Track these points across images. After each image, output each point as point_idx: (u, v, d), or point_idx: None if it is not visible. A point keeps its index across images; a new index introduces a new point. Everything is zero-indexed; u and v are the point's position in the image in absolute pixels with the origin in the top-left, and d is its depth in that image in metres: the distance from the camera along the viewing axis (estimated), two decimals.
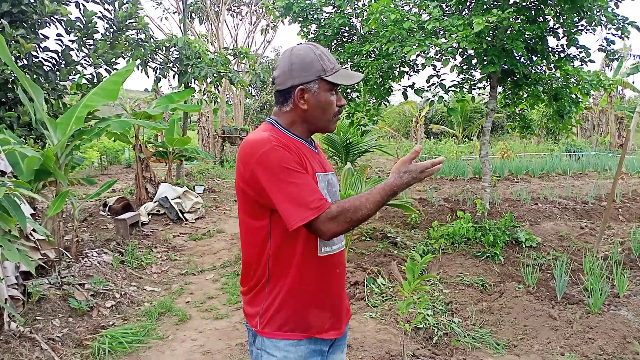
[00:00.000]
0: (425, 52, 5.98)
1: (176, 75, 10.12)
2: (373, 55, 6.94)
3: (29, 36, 6.24)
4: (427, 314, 4.27)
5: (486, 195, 7.02)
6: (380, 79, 6.79)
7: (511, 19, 5.14)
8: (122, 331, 4.06)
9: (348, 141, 10.49)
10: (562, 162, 15.36)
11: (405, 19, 5.66)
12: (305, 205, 1.55)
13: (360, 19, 7.43)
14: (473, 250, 6.06)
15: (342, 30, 7.59)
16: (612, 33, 6.09)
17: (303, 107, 1.69)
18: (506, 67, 6.25)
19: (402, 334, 3.50)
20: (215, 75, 9.95)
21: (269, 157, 1.58)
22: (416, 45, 5.62)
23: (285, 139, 1.68)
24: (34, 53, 6.69)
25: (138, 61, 9.33)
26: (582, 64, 6.54)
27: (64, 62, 7.09)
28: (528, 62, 6.45)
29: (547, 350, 3.81)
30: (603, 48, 6.30)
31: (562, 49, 6.50)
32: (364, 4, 7.49)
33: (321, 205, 1.56)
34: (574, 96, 6.85)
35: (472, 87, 6.95)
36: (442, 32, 6.02)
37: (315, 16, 7.46)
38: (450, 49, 5.63)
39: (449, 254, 6.02)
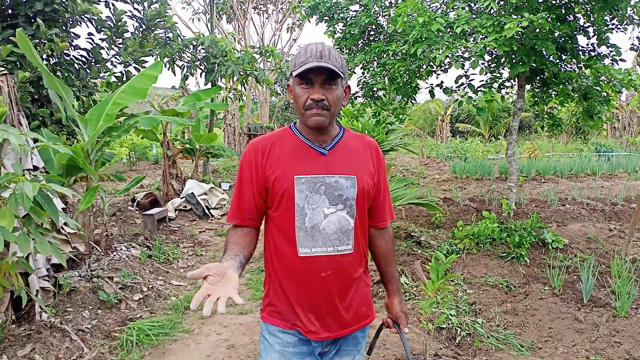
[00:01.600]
0: (454, 53, 5.92)
1: (203, 74, 10.25)
2: (400, 54, 6.92)
3: (61, 35, 6.39)
4: (451, 314, 4.26)
5: (512, 196, 6.94)
6: (407, 77, 6.76)
7: (542, 21, 5.04)
8: (149, 324, 4.15)
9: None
10: (591, 162, 15.06)
11: (433, 20, 5.61)
12: (229, 211, 1.85)
13: (386, 17, 7.41)
14: (498, 251, 6.01)
15: (369, 29, 7.58)
16: None
17: (292, 103, 1.79)
18: (535, 65, 6.16)
19: (424, 334, 3.51)
20: (241, 73, 10.04)
21: (240, 160, 1.85)
22: (444, 48, 5.56)
23: (277, 140, 1.80)
24: (66, 51, 6.86)
25: (166, 59, 9.49)
26: (612, 63, 6.41)
27: (94, 60, 7.24)
28: (557, 61, 6.36)
29: (572, 353, 3.76)
30: (635, 47, 6.17)
31: (592, 48, 6.38)
32: (390, 3, 7.47)
33: (231, 219, 1.82)
34: (605, 94, 6.71)
35: (501, 87, 6.87)
36: (470, 33, 5.97)
37: (342, 15, 7.47)
38: (479, 50, 5.57)
39: (473, 254, 5.98)
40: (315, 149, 1.77)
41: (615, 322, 4.14)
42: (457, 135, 28.17)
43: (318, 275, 1.73)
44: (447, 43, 5.56)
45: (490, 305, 4.63)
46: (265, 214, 1.83)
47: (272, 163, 1.75)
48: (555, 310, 4.38)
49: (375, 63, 7.06)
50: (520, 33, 5.88)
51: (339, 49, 7.56)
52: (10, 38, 5.57)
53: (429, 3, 6.47)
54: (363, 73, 7.38)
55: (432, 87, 6.94)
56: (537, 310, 4.44)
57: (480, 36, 5.69)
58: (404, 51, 6.22)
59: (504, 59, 6.41)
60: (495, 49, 5.34)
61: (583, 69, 6.63)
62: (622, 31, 5.97)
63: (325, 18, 7.52)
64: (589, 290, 4.64)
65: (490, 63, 6.66)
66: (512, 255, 5.83)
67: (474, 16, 5.88)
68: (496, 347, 3.91)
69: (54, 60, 6.68)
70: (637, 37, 6.06)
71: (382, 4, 7.32)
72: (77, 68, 7.00)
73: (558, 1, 5.93)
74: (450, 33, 5.74)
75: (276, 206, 1.75)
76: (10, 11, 6.22)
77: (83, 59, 7.25)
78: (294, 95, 1.72)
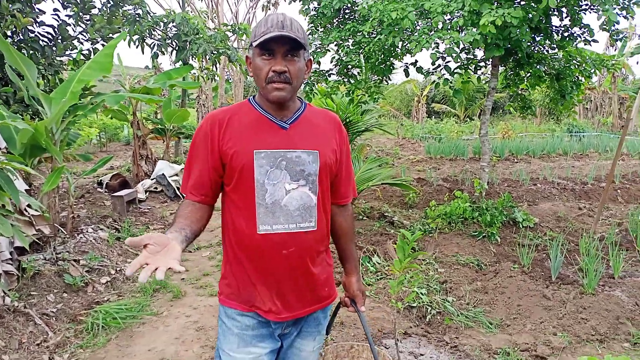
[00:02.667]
0: (429, 43, 5.83)
1: (174, 52, 10.02)
2: (375, 33, 6.83)
3: (25, 10, 6.15)
4: (421, 293, 4.28)
5: (484, 175, 6.99)
6: (382, 55, 6.69)
7: (517, 18, 5.01)
8: (116, 307, 4.07)
9: (347, 119, 10.41)
10: (563, 142, 15.29)
11: (406, 14, 5.50)
12: (182, 184, 1.77)
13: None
14: (470, 230, 6.06)
15: (344, 8, 7.45)
16: (616, 13, 5.97)
17: (251, 76, 1.72)
18: (509, 46, 6.14)
19: (394, 312, 3.51)
20: (213, 52, 9.84)
21: (195, 132, 1.76)
22: (419, 42, 5.48)
23: (236, 112, 1.72)
24: (30, 28, 6.60)
25: (136, 37, 9.24)
26: (585, 44, 6.44)
27: (60, 37, 7.01)
28: (530, 43, 6.36)
29: (540, 330, 3.82)
30: (606, 27, 6.19)
31: (565, 29, 6.39)
32: None
33: (184, 192, 1.74)
34: (576, 77, 6.76)
35: (478, 68, 6.86)
36: (446, 23, 5.90)
37: None
38: (454, 44, 5.50)
39: (445, 233, 6.02)
40: (276, 123, 1.70)
41: (582, 299, 4.21)
42: (433, 116, 28.28)
43: (279, 253, 1.68)
44: (422, 32, 5.49)
45: (461, 283, 4.66)
46: (222, 191, 1.76)
47: (230, 137, 1.66)
48: (524, 287, 4.44)
49: (350, 41, 6.95)
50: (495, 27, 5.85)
51: (313, 27, 7.44)
52: None
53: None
54: (337, 51, 7.28)
55: (407, 66, 6.90)
56: (507, 288, 4.49)
57: (457, 26, 5.64)
58: (379, 37, 6.13)
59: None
60: (470, 43, 5.29)
61: (556, 50, 6.65)
62: (595, 11, 5.96)
63: None
64: (557, 268, 4.71)
65: (465, 47, 6.63)
66: (484, 234, 5.89)
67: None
68: (466, 325, 3.94)
69: (17, 38, 6.44)
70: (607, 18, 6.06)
71: None
72: (43, 45, 6.76)
73: None
74: (426, 20, 5.67)
75: (235, 182, 1.67)
76: None
77: (49, 35, 7.01)
78: (254, 67, 1.65)
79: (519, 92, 7.74)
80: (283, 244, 1.68)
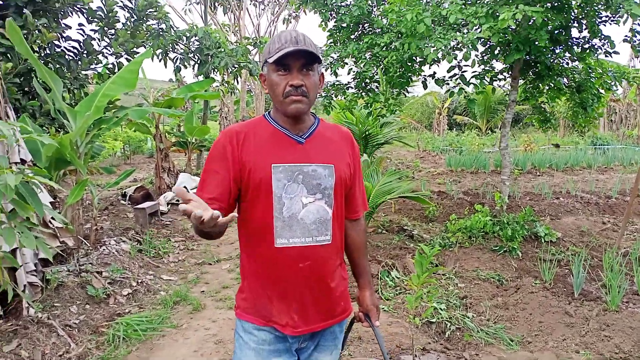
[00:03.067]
0: (446, 46, 5.84)
1: (196, 65, 10.17)
2: (393, 46, 6.86)
3: (51, 25, 6.32)
4: (441, 308, 4.24)
5: (505, 189, 6.92)
6: (400, 69, 6.71)
7: (536, 16, 4.98)
8: (137, 319, 4.12)
9: (367, 132, 10.42)
10: (587, 155, 15.05)
11: (421, 20, 5.52)
12: (197, 194, 1.67)
13: (380, 10, 7.33)
14: (490, 245, 5.99)
15: (362, 21, 7.51)
16: (638, 23, 5.91)
17: (266, 92, 1.74)
18: (529, 57, 6.11)
19: (413, 328, 3.49)
20: (235, 65, 9.97)
21: (212, 146, 1.77)
22: (436, 42, 5.48)
23: (252, 127, 1.74)
24: (56, 42, 6.78)
25: (159, 51, 9.41)
26: (606, 55, 6.37)
27: (85, 52, 7.18)
28: (550, 54, 6.31)
29: (562, 347, 3.75)
30: (628, 39, 6.12)
31: (585, 40, 6.34)
32: None
33: None
34: (596, 90, 6.69)
35: (494, 79, 6.83)
36: (463, 24, 5.91)
37: (335, 3, 7.37)
38: (471, 41, 5.49)
39: (466, 247, 5.97)
40: (292, 138, 1.73)
41: (606, 316, 4.13)
42: (454, 128, 28.11)
43: (296, 267, 1.70)
44: (439, 37, 5.50)
45: (481, 299, 4.61)
46: (238, 204, 1.77)
47: (248, 151, 1.69)
48: (546, 304, 4.37)
49: (368, 54, 6.99)
50: (515, 22, 5.83)
51: (332, 41, 7.50)
52: None
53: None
54: (355, 63, 7.32)
55: (425, 79, 6.90)
56: (528, 304, 4.43)
57: (475, 27, 5.64)
58: (396, 44, 6.16)
59: (498, 49, 6.36)
60: (490, 39, 5.27)
61: (577, 61, 6.59)
62: (616, 23, 5.90)
63: (318, 8, 7.42)
64: (580, 284, 4.62)
65: (483, 55, 6.61)
66: (505, 249, 5.81)
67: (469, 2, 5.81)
68: (486, 342, 3.89)
69: (44, 52, 6.62)
70: (630, 29, 5.99)
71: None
72: (68, 60, 6.93)
73: None
74: (442, 25, 5.68)
75: (252, 196, 1.70)
76: (0, 2, 6.14)
77: (74, 50, 7.18)
78: (270, 84, 1.68)
79: (539, 104, 7.68)
80: (300, 257, 1.70)
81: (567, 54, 6.34)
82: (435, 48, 5.46)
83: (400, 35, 5.95)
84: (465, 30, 5.72)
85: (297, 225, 1.69)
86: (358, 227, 1.96)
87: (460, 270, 5.34)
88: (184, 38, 9.81)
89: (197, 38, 9.75)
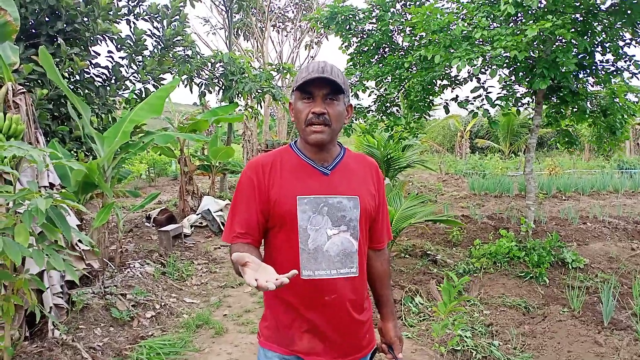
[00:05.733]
0: (472, 59, 5.82)
1: (221, 91, 10.34)
2: (415, 68, 6.90)
3: (81, 54, 6.52)
4: (466, 336, 4.16)
5: (530, 214, 6.82)
6: (422, 94, 6.73)
7: (564, 28, 4.95)
8: (160, 342, 4.13)
9: (389, 156, 10.42)
10: (614, 179, 14.76)
11: (452, 25, 5.56)
12: (227, 230, 1.74)
13: (402, 33, 7.40)
14: (516, 271, 5.88)
15: (384, 45, 7.58)
16: None
17: (292, 120, 1.75)
18: (553, 82, 6.07)
19: (437, 356, 3.42)
20: (258, 90, 10.11)
21: (239, 179, 1.79)
22: (464, 53, 5.48)
23: (278, 158, 1.75)
24: (86, 69, 6.99)
25: (184, 76, 9.61)
26: (632, 76, 6.29)
27: (114, 78, 7.37)
28: (575, 79, 6.28)
29: None
30: None
31: (610, 64, 6.28)
32: (406, 19, 7.47)
33: (232, 238, 1.71)
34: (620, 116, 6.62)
35: (517, 102, 6.80)
36: (489, 42, 5.92)
37: (359, 27, 7.45)
38: (498, 57, 5.47)
39: (490, 273, 5.87)
40: (317, 169, 1.73)
41: (637, 346, 4.00)
42: (477, 152, 27.92)
43: (322, 299, 1.68)
44: (465, 50, 5.49)
45: (507, 326, 4.51)
46: (265, 234, 1.78)
47: (274, 182, 1.70)
48: (575, 332, 4.26)
49: (389, 77, 7.03)
50: (541, 40, 5.80)
51: (352, 64, 7.57)
52: (32, 57, 5.69)
53: (447, 11, 6.40)
54: (377, 86, 7.36)
55: (447, 103, 6.89)
56: (556, 333, 4.32)
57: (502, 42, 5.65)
58: (419, 63, 6.16)
59: (522, 72, 6.34)
60: (517, 56, 5.22)
61: (602, 86, 6.53)
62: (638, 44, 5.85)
63: (341, 32, 7.51)
64: (610, 312, 4.50)
65: (505, 80, 6.59)
66: (531, 275, 5.70)
67: (493, 25, 5.82)
68: None
69: (74, 79, 6.82)
70: None
71: (398, 20, 7.30)
72: (97, 86, 7.12)
73: (578, 15, 5.84)
74: (467, 44, 5.69)
75: (278, 227, 1.70)
76: (33, 30, 6.36)
77: (103, 76, 7.39)
78: (295, 111, 1.70)
79: (564, 127, 7.60)
80: (325, 290, 1.68)
81: (590, 78, 6.29)
82: (461, 58, 5.43)
83: (424, 59, 5.96)
84: (489, 48, 5.72)
85: (322, 257, 1.68)
86: (382, 257, 1.95)
87: (485, 296, 5.24)
88: (209, 64, 10.02)
89: (222, 64, 9.94)
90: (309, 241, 1.67)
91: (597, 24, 5.90)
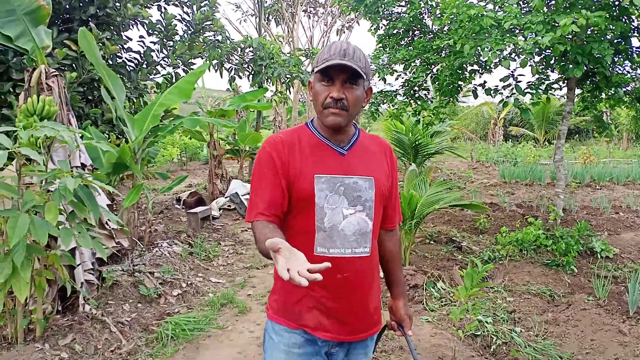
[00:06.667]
0: (502, 51, 5.69)
1: (250, 76, 10.42)
2: (444, 52, 6.81)
3: (113, 38, 6.66)
4: (487, 322, 4.15)
5: (560, 202, 6.70)
6: (450, 77, 6.64)
7: (599, 20, 4.80)
8: (185, 319, 4.26)
9: (416, 142, 10.34)
10: None
11: (483, 15, 5.46)
12: (251, 208, 1.71)
13: (432, 16, 7.30)
14: (543, 259, 5.81)
15: (413, 28, 7.49)
16: None
17: (311, 100, 1.76)
18: (586, 68, 5.91)
19: (456, 340, 3.44)
20: (287, 76, 10.15)
21: (257, 156, 1.77)
22: (493, 44, 5.39)
23: (296, 136, 1.75)
24: (118, 54, 7.14)
25: (215, 61, 9.72)
26: None
27: (145, 63, 7.52)
28: (610, 63, 6.10)
29: None
30: None
31: None
32: (437, 3, 7.36)
33: (255, 215, 1.67)
34: None
35: (549, 89, 6.65)
36: (519, 31, 5.80)
37: (387, 10, 7.38)
38: (529, 48, 5.36)
39: (516, 261, 5.81)
40: (334, 149, 1.75)
41: None
42: (510, 140, 27.39)
43: (334, 277, 1.70)
44: (495, 40, 5.40)
45: (531, 314, 4.48)
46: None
47: (294, 160, 1.70)
48: (599, 321, 4.20)
49: (418, 61, 6.96)
50: (573, 32, 5.66)
51: (381, 47, 7.51)
52: (65, 41, 5.85)
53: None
54: (404, 70, 7.29)
55: (475, 88, 6.80)
56: (580, 321, 4.26)
57: (531, 33, 5.51)
58: (449, 46, 6.08)
59: (553, 59, 6.19)
60: (549, 49, 5.10)
61: (638, 70, 6.32)
62: None
63: (370, 14, 7.44)
64: (636, 301, 4.41)
65: (538, 64, 6.45)
66: (557, 264, 5.62)
67: (524, 12, 5.69)
68: (533, 358, 3.77)
69: (107, 63, 6.98)
70: None
71: (429, 3, 7.18)
72: (129, 70, 7.28)
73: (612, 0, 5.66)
74: (498, 32, 5.58)
75: (295, 205, 1.71)
76: (66, 15, 6.53)
77: (135, 61, 7.54)
78: (314, 92, 1.70)
79: (599, 113, 7.41)
80: (339, 268, 1.69)
81: (627, 62, 6.10)
82: (491, 49, 5.34)
83: (454, 43, 5.87)
84: (521, 37, 5.59)
85: (337, 236, 1.70)
86: (394, 237, 1.97)
87: (509, 283, 5.20)
88: (239, 49, 10.09)
89: (251, 49, 10.00)
90: (325, 219, 1.69)
91: (632, 9, 5.70)
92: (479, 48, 5.49)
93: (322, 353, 1.79)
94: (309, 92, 1.77)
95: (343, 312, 1.76)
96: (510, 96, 6.47)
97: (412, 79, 7.02)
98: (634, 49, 6.05)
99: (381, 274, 2.00)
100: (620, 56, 6.03)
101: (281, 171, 1.69)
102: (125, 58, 7.39)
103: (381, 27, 7.65)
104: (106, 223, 4.84)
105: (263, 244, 1.45)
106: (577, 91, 6.76)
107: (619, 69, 6.37)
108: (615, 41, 5.93)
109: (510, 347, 3.90)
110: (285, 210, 1.72)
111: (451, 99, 7.10)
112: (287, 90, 11.48)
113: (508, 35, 5.56)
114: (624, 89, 6.46)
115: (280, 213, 1.70)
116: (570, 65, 5.67)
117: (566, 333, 4.15)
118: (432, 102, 7.36)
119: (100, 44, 6.18)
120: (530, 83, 6.42)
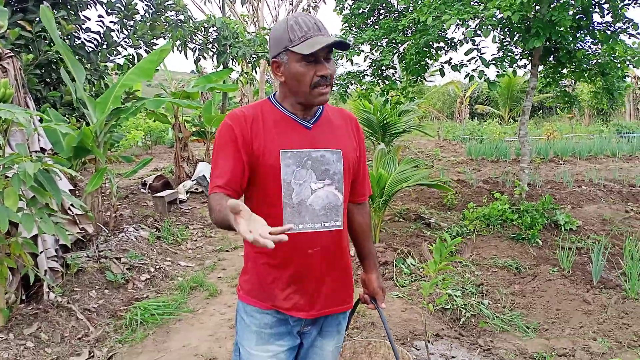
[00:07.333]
0: (465, 21, 5.67)
1: (215, 56, 10.20)
2: (409, 31, 6.80)
3: (70, 18, 6.40)
4: (456, 295, 4.22)
5: (524, 177, 6.83)
6: (417, 56, 6.64)
7: None
8: (154, 304, 4.20)
9: (385, 121, 10.37)
10: (611, 143, 14.73)
11: None
12: (210, 183, 1.65)
13: None
14: (509, 233, 5.93)
15: (379, 7, 7.45)
16: None
17: (281, 80, 1.67)
18: (549, 43, 5.98)
19: (426, 313, 3.48)
20: (253, 55, 9.98)
21: (218, 130, 1.71)
22: (455, 12, 5.39)
23: (259, 110, 1.70)
24: (76, 34, 6.87)
25: (178, 42, 9.47)
26: (630, 37, 6.20)
27: (105, 43, 7.26)
28: (572, 39, 6.18)
29: (579, 334, 3.71)
30: None
31: (607, 25, 6.18)
32: None
33: (213, 189, 1.62)
34: (620, 73, 6.53)
35: (514, 61, 6.69)
36: (483, 2, 5.81)
37: None
38: (492, 18, 5.38)
39: (483, 235, 5.91)
40: (299, 122, 1.70)
41: (625, 304, 4.07)
42: (476, 118, 27.76)
43: (304, 252, 1.68)
44: (459, 8, 5.41)
45: (498, 286, 4.58)
46: (246, 189, 1.73)
47: (257, 135, 1.65)
48: (564, 291, 4.32)
49: (384, 41, 6.93)
50: (535, 6, 5.69)
51: (347, 26, 7.47)
52: (19, 22, 5.60)
53: None
54: (371, 50, 7.26)
55: (442, 66, 6.82)
56: (545, 292, 4.38)
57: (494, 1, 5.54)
58: (413, 26, 6.08)
59: (517, 32, 6.24)
60: (510, 17, 5.12)
61: (599, 45, 6.43)
62: (638, 6, 5.75)
63: None
64: (599, 271, 4.55)
65: (502, 37, 6.49)
66: (523, 237, 5.75)
67: None
68: (501, 329, 3.86)
69: (65, 43, 6.72)
70: None
71: None
72: (88, 51, 7.01)
73: None
74: (460, 4, 5.59)
75: (261, 182, 1.66)
76: None
77: (94, 42, 7.27)
78: (296, 73, 1.60)
79: (563, 88, 7.54)
80: (308, 243, 1.68)
81: (588, 38, 6.20)
82: (453, 16, 5.34)
83: (418, 21, 5.86)
84: (482, 7, 5.60)
85: (305, 211, 1.67)
86: (364, 211, 1.95)
87: (477, 258, 5.30)
88: (202, 29, 9.85)
89: (215, 29, 9.78)
90: (293, 195, 1.66)
91: None
92: (442, 19, 5.47)
93: (294, 332, 1.78)
94: (274, 73, 1.67)
95: (316, 288, 1.74)
96: (476, 69, 6.50)
97: (379, 60, 6.99)
98: (595, 24, 6.15)
99: (352, 251, 1.98)
100: (582, 31, 6.11)
101: (242, 146, 1.64)
102: (84, 39, 7.11)
103: (346, 7, 7.58)
104: (69, 209, 4.70)
105: (220, 213, 1.43)
106: (540, 68, 6.84)
107: (580, 45, 6.47)
108: (577, 17, 6.00)
109: (479, 319, 3.98)
110: (245, 186, 1.67)
111: (418, 77, 7.11)
112: (254, 71, 11.31)
113: (471, 5, 5.58)
114: (586, 64, 6.57)
115: (239, 188, 1.65)
116: (532, 38, 5.72)
117: (532, 304, 4.26)
118: (400, 82, 7.35)
119: (57, 23, 5.94)
120: (495, 55, 6.47)
